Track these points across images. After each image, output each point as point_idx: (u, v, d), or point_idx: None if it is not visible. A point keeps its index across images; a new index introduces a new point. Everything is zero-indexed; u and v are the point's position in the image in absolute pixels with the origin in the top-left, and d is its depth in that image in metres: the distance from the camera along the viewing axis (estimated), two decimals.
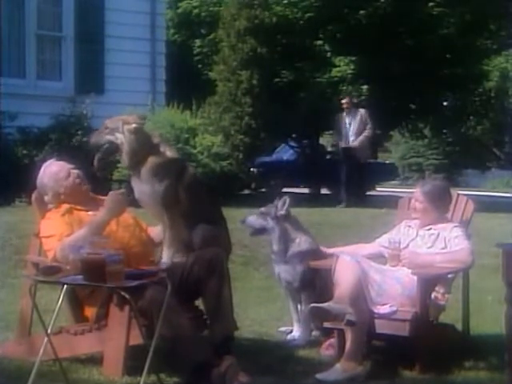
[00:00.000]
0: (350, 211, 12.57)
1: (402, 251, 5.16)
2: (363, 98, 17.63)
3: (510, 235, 6.56)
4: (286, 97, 17.89)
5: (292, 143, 21.68)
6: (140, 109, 12.15)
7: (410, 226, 5.35)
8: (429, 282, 4.97)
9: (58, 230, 4.71)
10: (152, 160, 4.82)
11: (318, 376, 4.69)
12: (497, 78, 28.39)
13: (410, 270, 4.96)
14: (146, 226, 5.13)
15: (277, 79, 18.27)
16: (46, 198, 4.96)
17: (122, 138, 4.85)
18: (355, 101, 15.40)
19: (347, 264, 4.91)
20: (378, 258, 5.35)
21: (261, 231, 5.80)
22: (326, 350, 5.23)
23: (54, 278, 4.14)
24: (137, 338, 4.41)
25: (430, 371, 4.77)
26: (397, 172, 27.07)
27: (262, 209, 5.81)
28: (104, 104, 12.50)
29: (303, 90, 18.31)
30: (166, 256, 4.79)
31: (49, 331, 4.15)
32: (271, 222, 5.71)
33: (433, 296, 5.05)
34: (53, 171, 4.98)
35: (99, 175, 5.17)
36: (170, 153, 4.93)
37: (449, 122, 24.02)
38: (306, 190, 19.57)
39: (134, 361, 4.49)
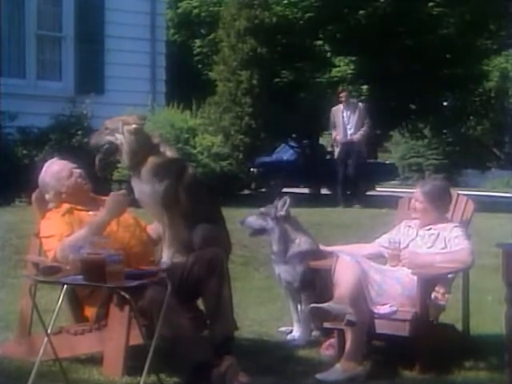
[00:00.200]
0: (350, 211, 12.57)
1: (402, 251, 5.16)
2: (363, 97, 17.63)
3: (510, 235, 6.56)
4: (286, 97, 17.91)
5: (292, 143, 21.69)
6: (140, 109, 12.14)
7: (409, 226, 5.35)
8: (429, 282, 4.97)
9: (58, 230, 4.71)
10: (152, 160, 4.82)
11: (318, 376, 4.69)
12: (497, 78, 28.41)
13: (409, 270, 4.96)
14: (145, 225, 5.13)
15: (277, 79, 18.28)
16: (47, 197, 4.96)
17: (121, 138, 4.85)
18: (354, 101, 15.29)
19: (347, 264, 4.91)
20: (378, 258, 5.35)
21: (260, 232, 5.80)
22: (326, 350, 5.23)
23: (53, 278, 4.14)
24: (137, 338, 4.41)
25: (430, 371, 4.77)
26: (397, 172, 27.08)
27: (262, 209, 5.81)
28: (104, 104, 12.50)
29: (303, 90, 18.33)
30: (166, 256, 4.79)
31: (49, 331, 4.15)
32: (271, 223, 5.71)
33: (433, 296, 5.05)
34: (55, 170, 4.98)
35: (100, 175, 5.16)
36: (170, 153, 4.93)
37: (449, 122, 24.05)
38: (306, 190, 19.59)
39: (133, 361, 4.49)
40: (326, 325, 5.09)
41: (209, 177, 11.58)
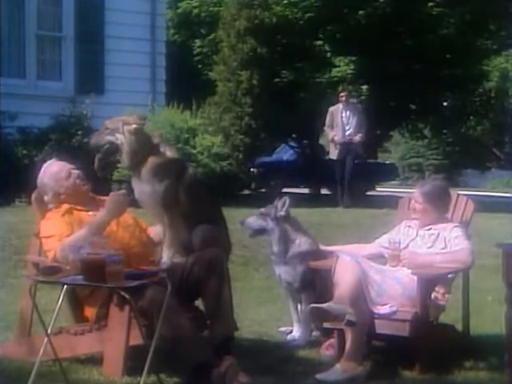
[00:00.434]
0: (350, 211, 12.56)
1: (402, 251, 5.16)
2: (363, 98, 17.64)
3: (510, 235, 6.57)
4: (286, 97, 17.91)
5: (292, 143, 21.69)
6: (140, 109, 12.14)
7: (409, 226, 5.35)
8: (429, 282, 4.97)
9: (58, 231, 4.71)
10: (152, 160, 4.82)
11: (318, 376, 4.69)
12: (497, 78, 28.40)
13: (410, 271, 4.96)
14: (145, 226, 5.13)
15: (277, 79, 18.28)
16: (46, 198, 4.96)
17: (122, 138, 4.85)
18: (354, 101, 15.27)
19: (347, 264, 4.91)
20: (378, 258, 5.35)
21: (260, 232, 5.80)
22: (326, 350, 5.23)
23: (53, 278, 4.14)
24: (137, 338, 4.41)
25: (430, 371, 4.77)
26: (397, 172, 27.07)
27: (262, 210, 5.81)
28: (104, 104, 12.50)
29: (303, 90, 18.34)
30: (166, 256, 4.79)
31: (49, 331, 4.15)
32: (271, 223, 5.70)
33: (433, 296, 5.05)
34: (53, 171, 4.98)
35: (100, 175, 5.17)
36: (170, 153, 4.92)
37: (449, 122, 24.05)
38: (306, 191, 19.58)
39: (133, 361, 4.49)
40: (326, 325, 5.09)
41: (209, 177, 11.58)
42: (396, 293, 4.97)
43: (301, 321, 5.64)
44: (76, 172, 5.00)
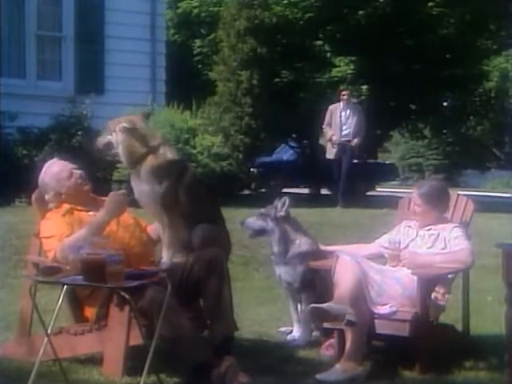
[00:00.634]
0: (350, 211, 12.56)
1: (402, 251, 5.16)
2: (363, 97, 17.64)
3: (510, 235, 6.57)
4: (286, 97, 17.91)
5: (292, 143, 21.69)
6: (140, 109, 12.12)
7: (409, 227, 5.35)
8: (429, 283, 4.97)
9: (59, 231, 4.71)
10: (151, 160, 4.82)
11: (318, 376, 4.69)
12: (497, 78, 28.39)
13: (410, 271, 4.96)
14: (145, 226, 5.13)
15: (277, 79, 18.28)
16: (47, 197, 4.96)
17: (116, 137, 4.88)
18: (355, 101, 15.23)
19: (347, 264, 4.91)
20: (379, 258, 5.35)
21: (260, 233, 5.79)
22: (326, 350, 5.23)
23: (54, 279, 4.14)
24: (137, 339, 4.41)
25: (430, 371, 4.77)
26: (397, 172, 27.09)
27: (262, 210, 5.81)
28: (104, 104, 12.50)
29: (303, 90, 18.33)
30: (166, 256, 4.79)
31: (49, 331, 4.15)
32: (271, 224, 5.70)
33: (433, 296, 5.05)
34: (55, 171, 4.98)
35: (101, 156, 5.15)
36: (170, 154, 4.92)
37: (449, 122, 24.05)
38: (306, 191, 19.58)
39: (133, 361, 4.49)
40: (326, 325, 5.09)
41: (209, 177, 11.58)
42: (396, 293, 4.97)
43: (301, 321, 5.64)
44: (78, 172, 5.00)
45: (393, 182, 26.96)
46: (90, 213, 4.87)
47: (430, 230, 5.25)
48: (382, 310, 4.90)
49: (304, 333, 5.60)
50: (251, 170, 16.76)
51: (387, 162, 26.78)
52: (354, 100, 15.21)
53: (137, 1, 14.31)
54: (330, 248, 5.61)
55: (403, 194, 6.09)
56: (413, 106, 21.05)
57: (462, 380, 4.77)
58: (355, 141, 13.92)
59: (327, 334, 5.27)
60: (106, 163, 11.24)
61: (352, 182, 14.34)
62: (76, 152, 9.80)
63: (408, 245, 5.24)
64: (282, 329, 5.87)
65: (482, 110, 25.37)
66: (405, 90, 18.62)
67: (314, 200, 14.88)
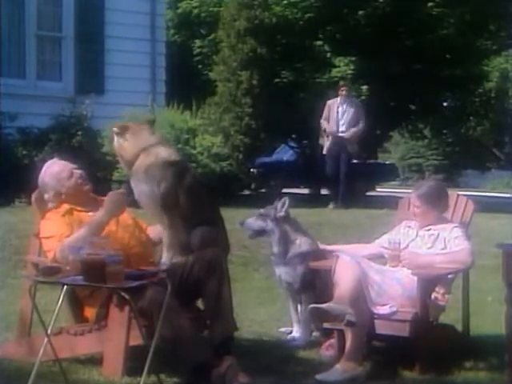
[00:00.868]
0: (350, 212, 12.55)
1: (402, 252, 5.16)
2: (363, 98, 17.63)
3: (510, 236, 6.57)
4: (286, 97, 17.90)
5: (292, 144, 21.69)
6: (140, 109, 12.17)
7: (409, 227, 5.35)
8: (429, 283, 4.97)
9: (58, 231, 4.71)
10: (142, 159, 4.84)
11: (318, 377, 4.69)
12: (497, 78, 28.39)
13: (410, 271, 4.96)
14: (145, 226, 5.13)
15: (277, 79, 18.28)
16: (47, 197, 4.96)
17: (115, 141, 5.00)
18: (353, 96, 14.95)
19: (347, 265, 4.91)
20: (379, 258, 5.35)
21: (260, 233, 5.79)
22: (326, 350, 5.23)
23: (53, 279, 4.14)
24: (137, 339, 4.41)
25: (430, 372, 4.77)
26: (397, 172, 27.07)
27: (261, 210, 5.81)
28: (104, 104, 12.51)
29: (303, 90, 18.33)
30: (166, 257, 4.80)
31: (49, 332, 4.15)
32: (270, 224, 5.70)
33: (433, 296, 5.05)
34: (55, 171, 4.98)
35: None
36: (164, 152, 4.92)
37: (449, 122, 24.06)
38: (306, 191, 19.57)
39: (133, 361, 4.49)
40: (326, 325, 5.09)
41: (209, 177, 11.58)
42: (396, 293, 4.97)
43: (301, 321, 5.64)
44: (78, 172, 5.01)
45: (393, 183, 26.96)
46: (90, 213, 4.87)
47: (429, 230, 5.25)
48: (382, 310, 4.90)
49: (304, 333, 5.60)
50: (251, 170, 16.76)
51: (387, 163, 26.77)
52: (353, 96, 14.95)
53: (137, 1, 14.31)
54: (329, 247, 5.62)
55: (403, 195, 6.09)
56: (413, 106, 21.05)
57: (462, 380, 4.77)
58: (348, 133, 13.51)
59: (327, 334, 5.27)
60: (106, 163, 11.26)
61: (352, 182, 14.26)
62: (76, 152, 9.80)
63: (408, 245, 5.24)
64: (282, 329, 5.87)
65: (482, 110, 25.37)
66: (405, 90, 18.61)
67: (313, 200, 14.84)
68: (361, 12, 18.15)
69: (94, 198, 5.05)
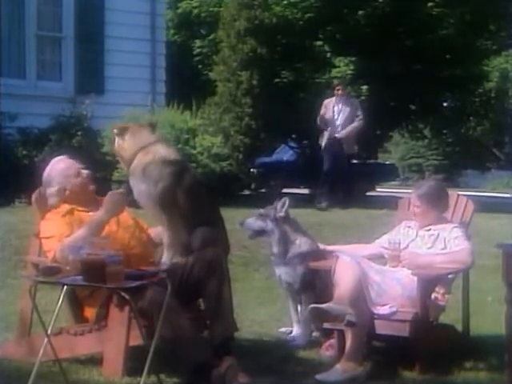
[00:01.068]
0: (350, 212, 12.54)
1: (402, 252, 5.16)
2: (363, 98, 17.63)
3: (510, 236, 6.57)
4: (286, 97, 17.90)
5: (292, 144, 21.68)
6: (140, 109, 12.17)
7: (409, 227, 5.35)
8: (429, 283, 4.97)
9: (59, 231, 4.71)
10: (140, 158, 4.85)
11: (318, 377, 4.69)
12: (497, 78, 28.38)
13: (410, 271, 4.96)
14: (146, 227, 5.13)
15: (277, 80, 18.28)
16: (49, 192, 4.94)
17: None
18: (349, 95, 14.65)
19: (347, 265, 4.91)
20: (379, 258, 5.35)
21: (260, 233, 5.79)
22: (326, 350, 5.23)
23: (53, 279, 4.14)
24: (137, 339, 4.41)
25: (430, 372, 4.77)
26: (397, 172, 27.06)
27: (261, 210, 5.81)
28: (104, 105, 12.50)
29: (303, 90, 18.33)
30: (166, 257, 4.80)
31: (49, 332, 4.15)
32: (270, 224, 5.70)
33: (433, 297, 5.05)
34: (63, 167, 4.99)
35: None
36: (162, 151, 4.92)
37: (449, 122, 24.05)
38: (306, 191, 19.56)
39: (133, 361, 4.49)
40: (326, 325, 5.09)
41: (209, 177, 11.57)
42: (396, 293, 4.97)
43: (301, 321, 5.64)
44: (85, 172, 5.02)
45: (393, 183, 26.94)
46: (91, 213, 4.87)
47: (429, 230, 5.25)
48: (382, 310, 4.90)
49: (304, 333, 5.60)
50: (251, 170, 16.75)
51: (387, 163, 26.75)
52: (349, 95, 14.65)
53: (137, 1, 14.31)
54: (329, 248, 5.62)
55: (403, 195, 6.10)
56: (413, 107, 21.04)
57: (462, 380, 4.77)
58: (343, 133, 13.28)
59: (327, 334, 5.27)
60: (106, 163, 11.26)
61: (352, 182, 14.24)
62: (76, 152, 9.76)
63: (408, 245, 5.24)
64: (282, 329, 5.87)
65: (482, 110, 25.36)
66: (405, 90, 18.60)
67: (314, 200, 14.83)
68: (361, 12, 18.15)
69: (95, 198, 5.06)
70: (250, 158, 16.10)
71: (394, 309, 4.90)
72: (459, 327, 5.39)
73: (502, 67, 28.88)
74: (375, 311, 4.89)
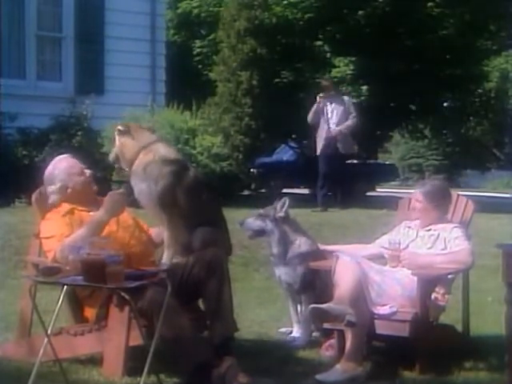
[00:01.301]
0: (350, 212, 12.54)
1: (402, 252, 5.16)
2: (363, 98, 17.65)
3: (510, 236, 6.57)
4: (286, 97, 17.91)
5: (292, 144, 21.68)
6: (140, 109, 12.17)
7: (409, 227, 5.35)
8: (429, 283, 4.97)
9: (59, 231, 4.71)
10: (142, 157, 4.85)
11: (318, 377, 4.69)
12: (497, 78, 28.42)
13: (410, 271, 4.96)
14: (146, 227, 5.13)
15: (277, 80, 18.30)
16: (51, 189, 4.93)
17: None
18: (340, 94, 14.36)
19: (347, 265, 4.91)
20: (379, 258, 5.35)
21: (260, 233, 5.79)
22: (326, 350, 5.23)
23: (53, 279, 4.14)
24: (137, 339, 4.41)
25: (430, 372, 4.77)
26: (397, 173, 27.07)
27: (261, 211, 5.80)
28: (104, 105, 12.50)
29: (303, 90, 18.34)
30: (166, 257, 4.80)
31: (49, 332, 4.15)
32: (270, 224, 5.70)
33: (433, 297, 5.05)
34: (66, 165, 5.00)
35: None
36: (163, 150, 4.93)
37: (449, 122, 24.08)
38: (306, 191, 19.56)
39: (133, 361, 4.49)
40: (326, 325, 5.09)
41: (209, 177, 11.57)
42: (396, 293, 4.97)
43: (301, 321, 5.64)
44: (89, 171, 5.03)
45: (393, 183, 26.95)
46: (91, 213, 4.87)
47: (429, 230, 5.25)
48: (382, 310, 4.90)
49: (304, 333, 5.60)
50: (251, 170, 16.75)
51: (387, 163, 26.77)
52: (340, 94, 14.34)
53: (137, 1, 14.30)
54: (329, 248, 5.62)
55: (403, 195, 6.09)
56: (413, 107, 21.07)
57: (462, 380, 4.77)
58: (337, 129, 12.91)
59: (327, 334, 5.27)
60: (106, 163, 11.25)
61: (352, 182, 14.21)
62: (76, 152, 9.75)
63: (408, 245, 5.24)
64: (282, 329, 5.87)
65: (482, 110, 25.40)
66: (405, 90, 18.62)
67: (314, 200, 14.82)
68: (361, 12, 18.17)
69: (96, 198, 5.05)
70: (250, 158, 16.11)
71: (394, 309, 4.90)
72: (459, 327, 5.38)
73: (502, 67, 28.92)
74: (375, 311, 4.89)
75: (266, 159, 19.90)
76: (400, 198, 5.83)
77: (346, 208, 12.98)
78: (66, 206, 4.89)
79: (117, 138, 4.99)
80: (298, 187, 19.99)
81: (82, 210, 4.90)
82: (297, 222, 5.83)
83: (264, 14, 16.63)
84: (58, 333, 4.66)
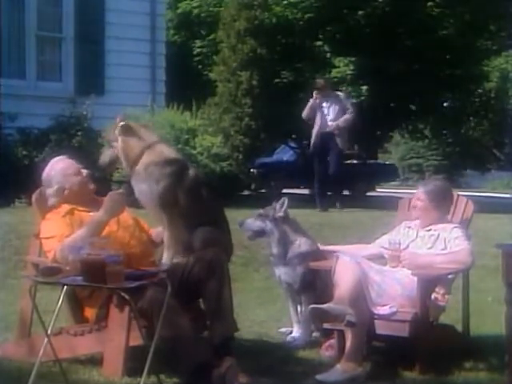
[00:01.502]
0: (350, 212, 12.54)
1: (402, 252, 5.16)
2: (363, 98, 17.65)
3: (510, 236, 6.57)
4: (286, 97, 17.91)
5: (292, 144, 21.68)
6: (140, 110, 12.16)
7: (409, 227, 5.35)
8: (429, 283, 4.97)
9: (59, 231, 4.71)
10: (147, 157, 4.84)
11: (318, 377, 4.69)
12: (497, 78, 28.41)
13: (410, 271, 4.96)
14: (147, 227, 5.13)
15: (277, 80, 18.30)
16: (49, 192, 4.94)
17: (117, 143, 4.96)
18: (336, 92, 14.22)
19: (347, 265, 4.91)
20: (379, 258, 5.35)
21: (260, 234, 5.79)
22: (326, 350, 5.23)
23: (53, 279, 4.14)
24: (137, 339, 4.41)
25: (430, 372, 4.77)
26: (397, 173, 27.08)
27: (261, 211, 5.80)
28: (104, 105, 12.49)
29: (303, 90, 18.32)
30: (166, 257, 4.80)
31: (49, 332, 4.15)
32: (270, 225, 5.70)
33: (433, 297, 5.05)
34: (62, 166, 5.00)
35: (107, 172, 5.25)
36: (166, 151, 4.93)
37: (449, 122, 24.08)
38: (306, 191, 19.56)
39: (133, 362, 4.49)
40: (326, 325, 5.09)
41: (209, 178, 11.56)
42: (396, 293, 4.97)
43: (301, 321, 5.64)
44: (85, 171, 5.03)
45: (393, 183, 26.96)
46: (91, 213, 4.87)
47: (429, 230, 5.25)
48: (382, 310, 4.90)
49: (304, 333, 5.60)
50: (251, 170, 16.75)
51: (387, 163, 26.77)
52: (336, 92, 14.21)
53: (137, 1, 14.30)
54: (329, 248, 5.62)
55: (403, 195, 6.10)
56: (413, 107, 21.07)
57: (462, 381, 4.77)
58: (333, 124, 12.73)
59: (327, 334, 5.27)
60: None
61: (352, 182, 14.21)
62: (76, 152, 9.77)
63: (408, 245, 5.24)
64: (282, 329, 5.87)
65: (482, 110, 25.41)
66: (405, 90, 18.62)
67: (314, 201, 14.82)
68: (361, 12, 18.17)
69: (95, 198, 5.05)
70: (250, 158, 16.11)
71: (394, 309, 4.90)
72: (459, 327, 5.38)
73: (502, 67, 28.91)
74: (375, 311, 4.89)
75: (266, 159, 19.91)
76: (400, 198, 5.83)
77: (346, 208, 12.98)
78: (65, 207, 4.89)
79: (119, 138, 4.94)
80: (298, 187, 19.99)
81: (81, 211, 4.90)
82: (297, 222, 5.83)
83: (264, 14, 16.63)
84: (58, 333, 4.66)
